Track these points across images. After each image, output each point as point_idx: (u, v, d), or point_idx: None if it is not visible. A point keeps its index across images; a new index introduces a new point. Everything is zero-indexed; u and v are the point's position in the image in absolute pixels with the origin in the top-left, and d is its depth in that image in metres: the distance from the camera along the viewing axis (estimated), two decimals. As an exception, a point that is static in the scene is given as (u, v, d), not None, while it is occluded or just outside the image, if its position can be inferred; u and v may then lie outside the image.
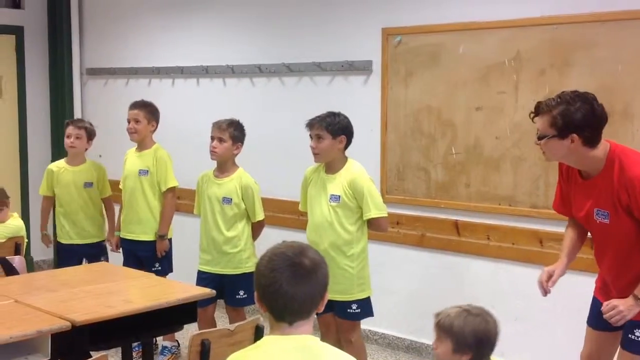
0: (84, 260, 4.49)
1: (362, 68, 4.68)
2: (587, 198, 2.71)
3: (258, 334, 2.76)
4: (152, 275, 3.51)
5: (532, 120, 2.69)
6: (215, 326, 3.86)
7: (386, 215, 3.61)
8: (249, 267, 3.94)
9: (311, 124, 3.64)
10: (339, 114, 3.67)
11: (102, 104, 6.29)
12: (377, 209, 3.55)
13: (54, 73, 6.44)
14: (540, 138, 2.63)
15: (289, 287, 1.76)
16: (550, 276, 2.78)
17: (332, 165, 3.65)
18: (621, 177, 2.57)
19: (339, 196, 3.57)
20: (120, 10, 6.15)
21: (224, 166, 3.99)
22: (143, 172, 4.33)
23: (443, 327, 2.13)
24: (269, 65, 5.14)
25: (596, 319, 2.83)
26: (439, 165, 4.39)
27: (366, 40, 4.65)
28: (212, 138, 3.97)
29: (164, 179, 4.33)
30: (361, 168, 3.67)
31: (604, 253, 2.78)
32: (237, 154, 4.00)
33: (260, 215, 3.99)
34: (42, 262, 6.39)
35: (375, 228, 3.63)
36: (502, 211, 4.14)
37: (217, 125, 3.96)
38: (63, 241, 4.59)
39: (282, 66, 5.07)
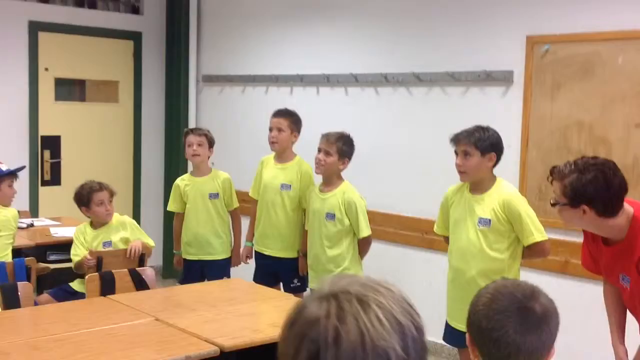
0: (206, 278, 4.14)
1: (501, 79, 4.36)
2: (613, 264, 2.58)
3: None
4: (291, 295, 3.33)
5: (551, 184, 2.57)
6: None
7: (547, 238, 3.28)
8: None
9: (457, 139, 3.30)
10: (488, 129, 3.34)
11: (218, 112, 6.19)
12: (539, 232, 3.21)
13: (170, 79, 6.39)
14: (553, 205, 2.53)
15: (517, 335, 1.52)
16: None
17: (479, 184, 3.32)
18: None
19: (489, 219, 3.25)
20: (239, 17, 6.04)
21: (329, 180, 3.82)
22: (285, 187, 4.05)
23: None
24: (396, 75, 4.89)
25: None
26: (588, 186, 4.02)
27: (507, 48, 4.34)
28: (319, 150, 3.79)
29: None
30: (514, 188, 3.36)
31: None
32: (342, 170, 3.81)
33: (365, 232, 3.75)
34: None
35: (536, 253, 3.29)
36: (664, 239, 3.73)
37: (326, 138, 3.79)
38: (187, 257, 4.29)
39: (410, 75, 4.80)
